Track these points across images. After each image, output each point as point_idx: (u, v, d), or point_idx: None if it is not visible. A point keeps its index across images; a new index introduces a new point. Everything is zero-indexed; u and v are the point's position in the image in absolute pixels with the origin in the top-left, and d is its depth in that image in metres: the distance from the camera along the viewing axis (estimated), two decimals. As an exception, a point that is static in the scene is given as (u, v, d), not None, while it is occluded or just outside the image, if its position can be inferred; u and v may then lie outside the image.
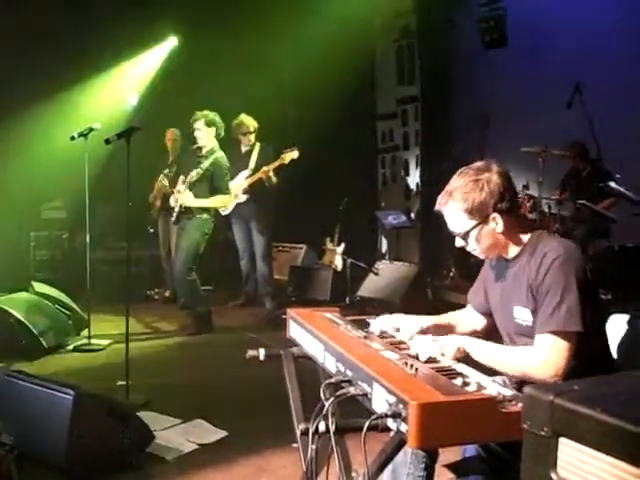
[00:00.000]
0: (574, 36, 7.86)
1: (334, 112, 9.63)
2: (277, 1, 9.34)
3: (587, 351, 2.35)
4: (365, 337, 2.48)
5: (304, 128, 8.32)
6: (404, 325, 2.66)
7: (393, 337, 2.60)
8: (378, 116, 11.39)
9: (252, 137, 8.05)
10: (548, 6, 8.31)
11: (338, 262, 9.09)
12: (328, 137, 9.60)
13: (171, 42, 10.14)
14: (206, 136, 7.11)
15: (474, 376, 2.08)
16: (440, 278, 9.11)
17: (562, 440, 1.37)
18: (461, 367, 2.21)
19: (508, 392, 1.89)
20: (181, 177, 7.24)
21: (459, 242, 2.63)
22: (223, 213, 8.00)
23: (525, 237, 2.59)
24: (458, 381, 1.99)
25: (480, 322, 2.89)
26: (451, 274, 8.65)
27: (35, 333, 5.95)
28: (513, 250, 2.60)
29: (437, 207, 2.62)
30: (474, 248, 2.62)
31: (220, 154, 7.15)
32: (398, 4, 10.66)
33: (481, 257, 2.71)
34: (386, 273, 8.38)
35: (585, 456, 1.32)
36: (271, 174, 7.75)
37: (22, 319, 5.97)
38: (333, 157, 9.87)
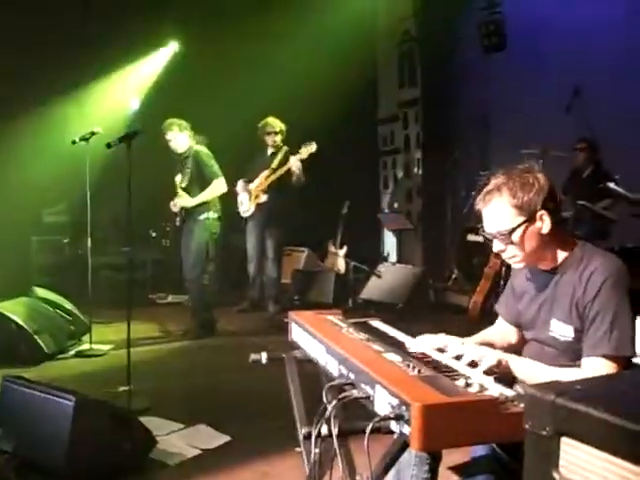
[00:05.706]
0: (573, 40, 7.85)
1: (336, 115, 9.63)
2: (280, 4, 9.35)
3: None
4: (368, 339, 2.47)
5: (306, 131, 8.31)
6: (450, 345, 2.49)
7: (437, 361, 2.40)
8: (380, 119, 11.42)
9: (277, 139, 7.91)
10: (547, 10, 8.31)
11: (341, 265, 9.09)
12: (330, 140, 9.60)
13: (172, 47, 10.17)
14: (184, 141, 7.08)
15: (476, 377, 2.07)
16: (442, 280, 9.11)
17: (564, 440, 1.36)
18: (464, 368, 2.21)
19: (510, 393, 1.88)
20: (177, 181, 7.24)
21: (498, 246, 2.45)
22: (244, 215, 7.96)
23: (568, 246, 2.46)
24: (460, 382, 1.99)
25: (513, 335, 2.77)
26: (453, 276, 8.64)
27: (35, 338, 5.92)
28: (555, 259, 2.47)
29: (478, 206, 2.46)
30: (514, 253, 2.45)
31: (198, 147, 7.13)
32: (400, 8, 10.73)
33: (518, 266, 2.54)
34: (388, 276, 8.38)
35: (587, 455, 1.31)
36: (299, 165, 7.62)
37: (22, 324, 5.93)
38: (335, 160, 9.88)
